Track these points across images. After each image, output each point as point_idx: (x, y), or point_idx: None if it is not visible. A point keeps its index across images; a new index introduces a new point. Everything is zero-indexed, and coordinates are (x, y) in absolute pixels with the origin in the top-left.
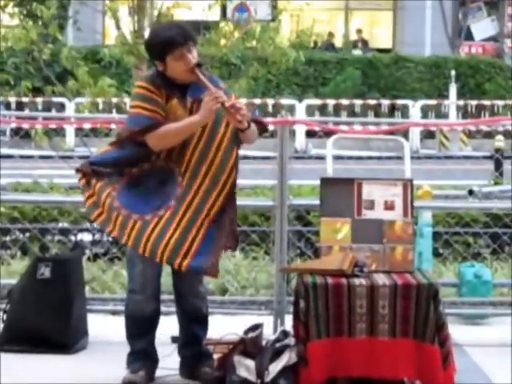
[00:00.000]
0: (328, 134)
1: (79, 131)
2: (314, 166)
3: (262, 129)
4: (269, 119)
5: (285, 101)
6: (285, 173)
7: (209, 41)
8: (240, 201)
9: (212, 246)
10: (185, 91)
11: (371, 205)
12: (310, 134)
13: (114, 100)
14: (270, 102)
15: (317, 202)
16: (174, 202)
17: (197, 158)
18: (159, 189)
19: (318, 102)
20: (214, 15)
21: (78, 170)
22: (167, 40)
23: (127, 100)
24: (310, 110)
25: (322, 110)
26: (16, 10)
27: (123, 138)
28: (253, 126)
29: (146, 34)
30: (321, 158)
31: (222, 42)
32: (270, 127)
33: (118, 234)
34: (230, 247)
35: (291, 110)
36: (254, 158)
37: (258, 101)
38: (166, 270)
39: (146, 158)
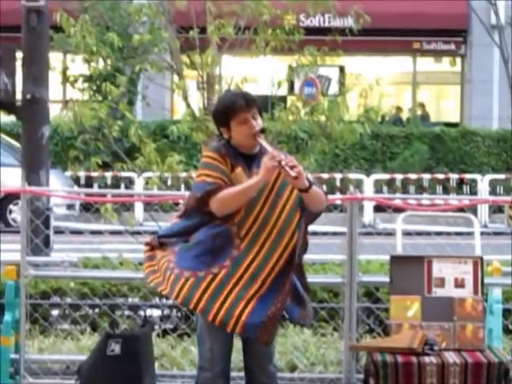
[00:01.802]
0: (396, 209)
1: (148, 206)
2: (382, 241)
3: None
4: (338, 196)
5: (352, 175)
6: (354, 249)
7: (276, 117)
8: (309, 278)
9: (267, 311)
10: (250, 162)
11: (441, 282)
12: (378, 208)
13: (183, 175)
14: (338, 176)
15: (386, 278)
16: (228, 262)
17: (260, 223)
18: (214, 247)
19: (385, 176)
20: (282, 90)
21: (146, 244)
22: (231, 104)
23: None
24: (377, 185)
25: (390, 184)
26: (86, 85)
27: (188, 207)
28: (317, 189)
29: None
30: (389, 233)
31: (290, 117)
32: (338, 202)
33: (168, 291)
34: (305, 323)
35: (359, 184)
36: (323, 233)
37: (325, 175)
38: (236, 347)
39: (207, 223)
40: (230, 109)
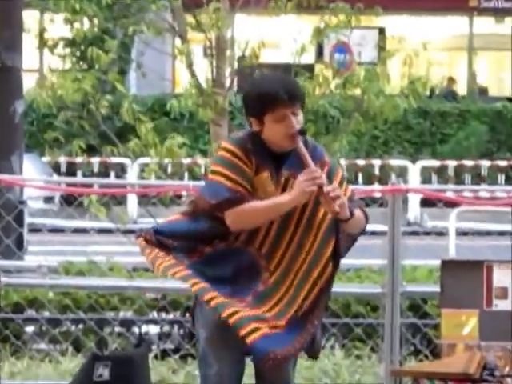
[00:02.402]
0: (448, 203)
1: (143, 199)
2: (431, 242)
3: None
4: (376, 187)
5: (394, 162)
6: (397, 252)
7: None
8: (342, 287)
9: (284, 347)
10: (281, 162)
11: (504, 293)
12: (426, 202)
13: (186, 161)
14: (377, 163)
15: (436, 288)
16: (250, 297)
17: (292, 253)
18: (236, 279)
19: (435, 163)
20: (308, 57)
21: (138, 236)
22: (271, 94)
23: (202, 162)
24: (425, 173)
25: (441, 172)
26: (67, 50)
27: (197, 209)
28: (358, 213)
29: (227, 81)
30: (440, 233)
31: (318, 90)
32: (377, 195)
33: (184, 273)
34: (308, 354)
35: (402, 172)
36: None
37: (361, 162)
38: (248, 372)
39: (223, 237)
40: (268, 100)
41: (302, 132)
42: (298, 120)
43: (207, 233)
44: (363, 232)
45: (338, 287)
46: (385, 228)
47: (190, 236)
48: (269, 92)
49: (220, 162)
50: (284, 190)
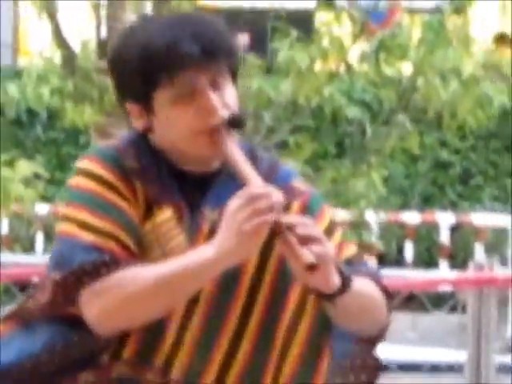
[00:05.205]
0: None
1: None
2: None
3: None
4: (444, 270)
5: (484, 217)
6: None
7: (285, 62)
8: None
9: None
10: (201, 192)
11: None
12: None
13: (42, 211)
14: (447, 219)
15: None
16: None
17: (241, 374)
18: None
19: None
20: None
21: None
22: (165, 47)
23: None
24: None
25: None
26: None
27: (34, 306)
28: (367, 286)
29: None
30: None
31: (321, 65)
32: (446, 288)
33: None
34: None
35: (500, 240)
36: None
37: (413, 217)
38: None
39: (92, 358)
40: (159, 61)
41: (235, 123)
42: (225, 98)
43: (61, 355)
44: (382, 334)
45: None
46: (460, 356)
47: (24, 368)
48: (159, 42)
49: (77, 198)
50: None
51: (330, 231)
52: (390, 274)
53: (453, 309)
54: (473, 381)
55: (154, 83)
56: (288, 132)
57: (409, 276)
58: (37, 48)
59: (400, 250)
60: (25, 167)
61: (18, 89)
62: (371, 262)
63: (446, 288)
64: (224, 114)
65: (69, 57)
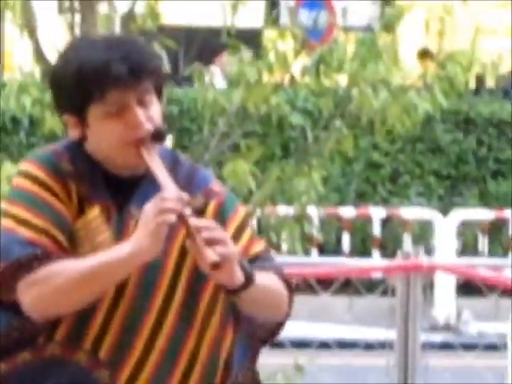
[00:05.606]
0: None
1: None
2: (477, 363)
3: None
4: (377, 259)
5: (410, 212)
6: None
7: (233, 75)
8: None
9: None
10: (126, 195)
11: None
12: (469, 288)
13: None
14: (378, 214)
15: None
16: None
17: (159, 354)
18: None
19: (485, 214)
20: (252, 19)
21: None
22: (97, 67)
23: None
24: (467, 234)
25: (496, 232)
26: None
27: None
28: (269, 280)
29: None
30: (493, 346)
31: (268, 78)
32: (378, 275)
33: None
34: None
35: (425, 233)
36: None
37: (348, 212)
38: None
39: (26, 341)
40: (92, 78)
41: (158, 135)
42: (150, 114)
43: (4, 337)
44: (284, 320)
45: None
46: (390, 335)
47: None
48: (93, 63)
49: (16, 197)
50: None
51: (241, 229)
52: (330, 262)
53: (384, 293)
54: (401, 356)
55: (87, 99)
56: (240, 136)
57: (345, 264)
58: (19, 63)
59: (338, 241)
60: (9, 168)
61: (2, 99)
62: (275, 256)
63: (377, 274)
64: (149, 127)
65: (47, 71)
